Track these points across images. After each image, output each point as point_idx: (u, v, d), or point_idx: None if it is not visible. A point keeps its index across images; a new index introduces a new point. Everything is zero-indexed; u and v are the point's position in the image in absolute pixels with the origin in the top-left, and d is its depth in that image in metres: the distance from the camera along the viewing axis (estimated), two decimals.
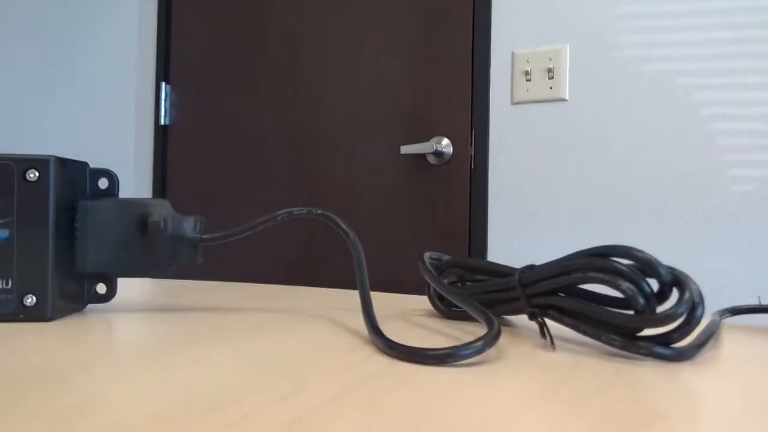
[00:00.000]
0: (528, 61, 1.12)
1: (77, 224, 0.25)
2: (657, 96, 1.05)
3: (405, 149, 1.18)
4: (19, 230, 0.24)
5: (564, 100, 1.10)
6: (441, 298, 0.27)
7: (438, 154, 1.17)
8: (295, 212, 0.26)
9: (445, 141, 1.17)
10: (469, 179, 1.16)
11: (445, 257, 0.28)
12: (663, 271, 0.19)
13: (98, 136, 1.48)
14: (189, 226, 0.27)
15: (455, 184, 1.17)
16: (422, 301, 0.33)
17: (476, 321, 0.26)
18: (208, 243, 0.26)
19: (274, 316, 0.27)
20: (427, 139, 1.18)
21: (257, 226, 0.26)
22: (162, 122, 1.46)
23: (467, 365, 0.18)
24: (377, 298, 0.34)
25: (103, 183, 0.27)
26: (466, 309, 0.22)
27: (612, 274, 0.20)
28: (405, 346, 0.19)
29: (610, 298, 0.21)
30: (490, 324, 0.20)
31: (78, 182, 0.26)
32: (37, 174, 0.24)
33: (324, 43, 1.29)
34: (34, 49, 1.45)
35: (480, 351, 0.18)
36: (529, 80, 1.12)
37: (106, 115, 1.48)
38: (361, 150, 1.24)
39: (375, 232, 1.22)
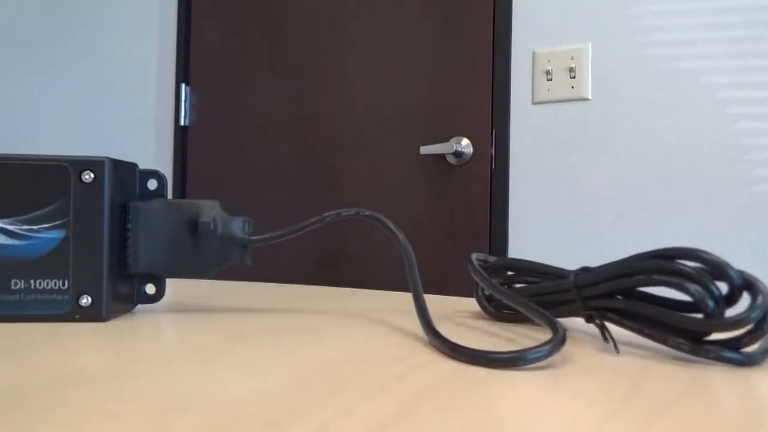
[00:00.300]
0: (549, 61, 1.12)
1: (129, 225, 0.25)
2: (681, 95, 1.03)
3: (424, 149, 1.18)
4: (74, 231, 0.24)
5: (586, 99, 1.09)
6: (489, 299, 0.27)
7: (458, 154, 1.16)
8: (343, 213, 0.26)
9: (465, 141, 1.17)
10: (489, 180, 1.15)
11: (492, 258, 0.28)
12: (733, 274, 0.19)
13: (119, 138, 1.50)
14: (238, 226, 0.27)
15: (475, 185, 1.16)
16: (463, 302, 0.33)
17: (527, 323, 0.26)
18: (258, 244, 0.26)
19: (323, 318, 0.26)
20: (446, 139, 1.18)
21: (306, 227, 0.26)
22: (182, 123, 1.47)
23: (533, 369, 0.18)
24: (402, 297, 0.34)
25: (152, 184, 0.27)
26: (525, 312, 0.21)
27: (679, 277, 0.19)
28: (470, 349, 0.18)
29: (672, 301, 0.21)
30: (553, 328, 0.19)
31: (129, 183, 0.26)
32: (92, 175, 0.24)
33: (344, 44, 1.29)
34: (56, 51, 1.47)
35: (548, 355, 0.18)
36: (551, 80, 1.11)
37: (126, 117, 1.50)
38: (381, 150, 1.24)
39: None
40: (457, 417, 0.13)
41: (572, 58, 1.10)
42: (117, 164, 0.25)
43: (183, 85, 1.47)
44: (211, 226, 0.26)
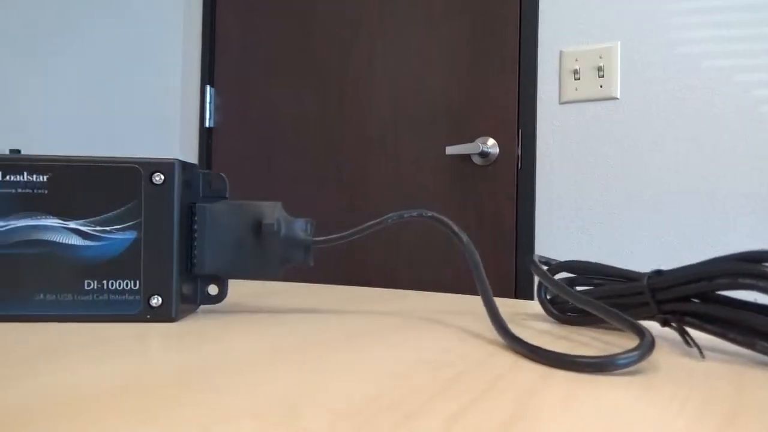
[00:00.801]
0: (577, 60, 1.10)
1: (195, 226, 0.26)
2: (714, 93, 1.02)
3: (450, 150, 1.17)
4: (146, 232, 0.24)
5: (615, 98, 1.08)
6: (552, 301, 0.27)
7: (483, 154, 1.16)
8: (405, 215, 0.26)
9: (491, 141, 1.16)
10: (515, 180, 1.14)
11: (554, 260, 0.27)
12: None
13: (145, 138, 1.51)
14: (300, 228, 0.27)
15: (501, 185, 1.16)
16: (519, 304, 0.32)
17: (592, 326, 0.26)
18: (320, 245, 0.27)
19: (393, 320, 0.26)
20: (472, 139, 1.17)
21: (368, 229, 0.26)
22: (207, 125, 1.48)
23: (621, 374, 0.18)
24: (469, 301, 0.34)
25: (214, 185, 0.27)
26: (603, 316, 0.21)
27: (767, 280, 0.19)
28: (558, 353, 0.18)
29: (753, 305, 0.21)
30: (639, 332, 0.19)
31: (193, 185, 0.26)
32: (162, 177, 0.24)
33: (369, 44, 1.29)
34: (81, 52, 1.49)
35: (638, 360, 0.17)
36: (578, 79, 1.10)
37: (152, 118, 1.52)
38: (406, 151, 1.24)
39: (420, 233, 1.22)
40: (573, 419, 0.13)
41: (600, 57, 1.09)
42: (184, 166, 0.25)
43: (208, 87, 1.48)
44: (275, 228, 0.26)
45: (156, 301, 0.24)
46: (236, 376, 0.16)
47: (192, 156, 1.51)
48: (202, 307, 0.28)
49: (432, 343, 0.21)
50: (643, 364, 0.19)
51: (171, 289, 0.24)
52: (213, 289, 0.28)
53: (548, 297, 0.27)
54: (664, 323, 0.22)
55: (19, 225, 0.24)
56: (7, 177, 0.24)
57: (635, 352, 0.18)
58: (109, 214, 0.24)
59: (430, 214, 0.26)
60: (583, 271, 0.26)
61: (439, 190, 1.20)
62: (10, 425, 0.12)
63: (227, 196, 0.27)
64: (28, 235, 0.24)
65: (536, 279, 1.11)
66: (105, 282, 0.24)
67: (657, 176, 1.05)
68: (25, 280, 0.23)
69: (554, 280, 0.24)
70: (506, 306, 0.32)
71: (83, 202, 0.24)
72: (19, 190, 0.24)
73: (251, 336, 0.22)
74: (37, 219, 0.24)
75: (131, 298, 0.24)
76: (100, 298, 0.24)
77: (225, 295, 0.28)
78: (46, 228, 0.24)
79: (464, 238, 0.26)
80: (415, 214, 0.26)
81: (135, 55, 1.50)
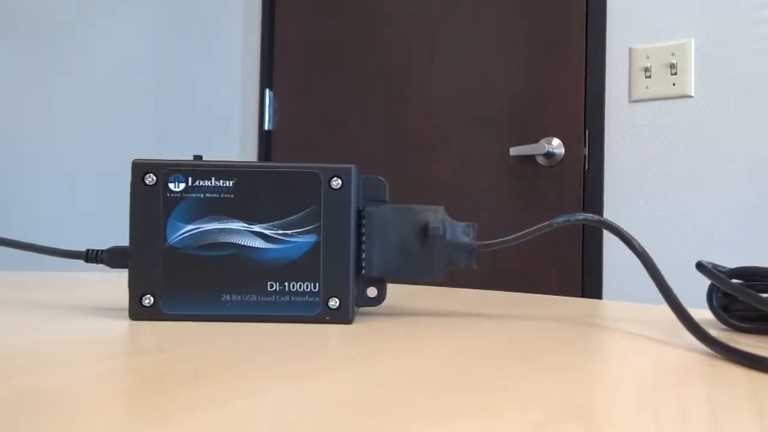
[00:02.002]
0: (648, 57, 1.07)
1: (363, 230, 0.26)
2: None
3: (514, 151, 1.16)
4: (325, 235, 0.25)
5: (689, 96, 1.04)
6: (725, 308, 0.26)
7: (548, 155, 1.14)
8: (572, 219, 0.26)
9: (557, 141, 1.14)
10: (582, 181, 1.12)
11: (720, 266, 0.27)
12: None
13: (205, 140, 1.55)
14: (464, 232, 0.27)
15: (567, 186, 1.14)
16: (654, 310, 0.32)
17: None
18: (484, 249, 0.27)
19: (575, 329, 0.26)
20: (537, 140, 1.16)
21: (534, 233, 0.26)
22: (266, 128, 1.51)
23: None
24: (598, 305, 0.33)
25: (373, 189, 0.28)
26: None
27: None
28: None
29: None
30: None
31: (359, 189, 0.27)
32: (340, 182, 0.25)
33: (432, 43, 1.29)
34: (141, 55, 1.54)
35: None
36: (649, 77, 1.07)
37: (212, 121, 1.55)
38: (470, 151, 1.23)
39: (483, 235, 1.21)
40: None
41: (673, 54, 1.06)
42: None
43: (267, 90, 1.51)
44: (441, 231, 0.26)
45: (334, 303, 0.25)
46: (491, 376, 0.16)
47: (252, 158, 1.54)
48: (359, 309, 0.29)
49: (639, 356, 0.21)
50: None
51: (348, 291, 0.25)
52: (372, 292, 0.28)
53: (722, 304, 0.26)
54: None
55: (207, 228, 0.24)
56: (196, 182, 0.25)
57: None
58: (290, 217, 0.25)
59: (596, 218, 0.26)
60: (760, 276, 0.25)
61: (502, 191, 1.19)
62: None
63: (387, 199, 0.28)
64: (215, 238, 0.24)
65: (601, 284, 1.09)
66: (286, 283, 0.25)
67: (734, 179, 1.01)
68: (213, 281, 0.24)
69: (731, 284, 0.24)
70: (651, 313, 0.31)
71: (266, 207, 0.25)
72: (207, 195, 0.25)
73: (451, 338, 0.22)
74: (224, 222, 0.24)
75: (311, 299, 0.25)
76: (282, 299, 0.25)
77: (384, 297, 0.28)
78: (231, 231, 0.24)
79: (636, 244, 0.25)
80: (581, 218, 0.26)
81: (195, 57, 1.54)
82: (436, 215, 0.27)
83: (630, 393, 0.15)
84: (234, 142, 1.57)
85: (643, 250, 0.25)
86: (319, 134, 1.43)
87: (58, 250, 0.26)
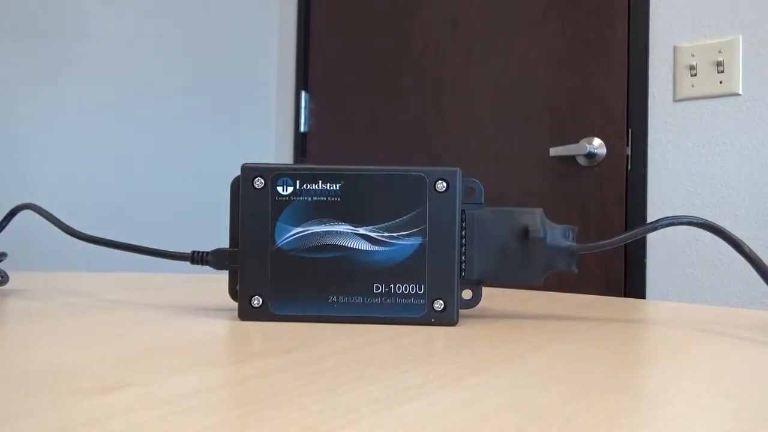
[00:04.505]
0: (693, 55, 1.05)
1: (464, 232, 0.26)
2: None
3: (554, 151, 1.15)
4: (430, 238, 0.25)
5: (737, 94, 1.02)
6: None
7: (590, 155, 1.12)
8: (676, 221, 0.26)
9: (597, 141, 1.13)
10: (625, 182, 1.10)
11: None
12: None
13: (240, 143, 1.57)
14: (564, 235, 0.27)
15: (609, 188, 1.12)
16: (730, 314, 0.31)
17: None
18: (584, 252, 0.26)
19: (660, 330, 0.26)
20: (577, 140, 1.14)
21: (636, 235, 0.26)
22: (301, 130, 1.52)
23: None
24: (689, 308, 0.33)
25: (470, 191, 0.28)
26: None
27: None
28: None
29: None
30: None
31: (461, 192, 0.27)
32: (445, 185, 0.25)
33: (469, 42, 1.28)
34: (176, 56, 1.56)
35: None
36: (695, 75, 1.05)
37: (247, 123, 1.57)
38: (508, 152, 1.22)
39: None
40: None
41: (720, 52, 1.03)
42: None
43: (303, 92, 1.52)
44: (541, 234, 0.26)
45: (439, 305, 0.25)
46: (642, 378, 0.16)
47: (287, 161, 1.55)
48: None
49: (759, 363, 0.20)
50: None
51: (453, 293, 0.25)
52: (468, 294, 0.28)
53: None
54: None
55: (315, 230, 0.25)
56: (304, 186, 0.25)
57: None
58: (396, 220, 0.25)
59: (701, 220, 0.26)
60: None
61: (542, 193, 1.18)
62: None
63: (482, 201, 0.28)
64: (323, 240, 0.25)
65: (644, 284, 1.07)
66: (392, 286, 0.25)
67: None
68: (320, 283, 0.25)
69: None
70: (747, 318, 0.31)
71: (372, 209, 0.25)
72: (315, 198, 0.25)
73: (563, 341, 0.22)
74: (331, 225, 0.25)
75: (417, 301, 0.25)
76: (388, 301, 0.25)
77: (479, 300, 0.28)
78: (338, 233, 0.25)
79: (746, 247, 0.25)
80: (685, 220, 0.26)
81: (230, 59, 1.56)
82: (535, 218, 0.26)
83: None
84: (270, 144, 1.59)
85: (753, 252, 0.24)
86: (355, 136, 1.44)
87: (165, 252, 0.27)
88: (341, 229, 0.25)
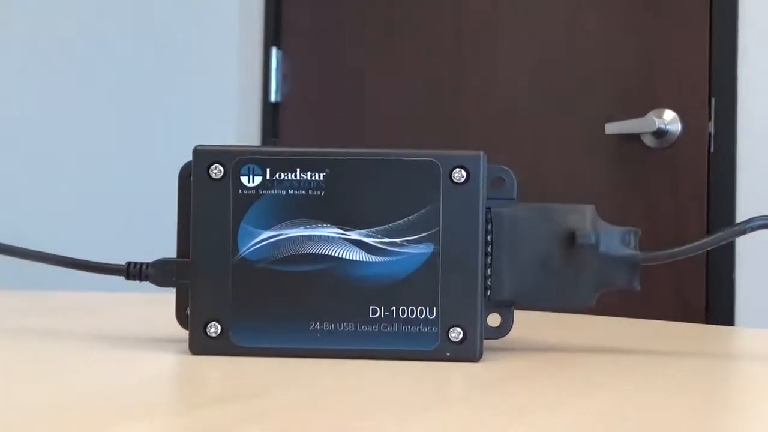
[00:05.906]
0: None
1: (490, 237, 0.26)
2: None
3: (611, 128, 1.15)
4: (444, 245, 0.25)
5: None
6: None
7: (659, 133, 1.13)
8: None
9: (670, 115, 1.14)
10: (706, 168, 1.11)
11: None
12: None
13: (192, 117, 1.56)
14: (623, 239, 0.27)
15: (685, 176, 1.13)
16: None
17: None
18: (650, 263, 0.27)
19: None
20: (643, 113, 1.15)
21: (720, 240, 0.26)
22: (272, 99, 1.52)
23: None
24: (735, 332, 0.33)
25: (498, 183, 0.28)
26: None
27: None
28: None
29: None
30: None
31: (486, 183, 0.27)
32: (464, 174, 0.25)
33: None
34: (116, 5, 1.56)
35: None
36: None
37: (200, 91, 1.57)
38: (551, 129, 1.23)
39: None
40: None
41: None
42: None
43: (273, 49, 1.52)
44: (592, 240, 0.26)
45: (456, 334, 0.25)
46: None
47: (253, 138, 1.55)
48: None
49: None
50: None
51: (476, 319, 0.25)
52: (494, 320, 0.28)
53: None
54: None
55: (290, 235, 0.25)
56: (276, 175, 0.25)
57: None
58: (400, 221, 0.25)
59: None
60: None
61: (594, 181, 1.19)
62: None
63: (515, 196, 0.28)
64: (302, 249, 0.25)
65: (733, 306, 1.07)
66: (394, 309, 0.25)
67: None
68: (298, 305, 0.25)
69: None
70: None
71: (367, 207, 0.25)
72: (290, 192, 0.25)
73: (624, 382, 0.22)
74: (312, 228, 0.25)
75: (426, 329, 0.25)
76: (388, 328, 0.25)
77: (510, 329, 0.28)
78: (322, 239, 0.25)
79: None
80: None
81: (178, 10, 1.56)
82: (584, 217, 0.27)
83: None
84: (230, 118, 1.58)
85: None
86: (343, 107, 1.44)
87: (92, 263, 0.27)
88: (326, 234, 0.25)
